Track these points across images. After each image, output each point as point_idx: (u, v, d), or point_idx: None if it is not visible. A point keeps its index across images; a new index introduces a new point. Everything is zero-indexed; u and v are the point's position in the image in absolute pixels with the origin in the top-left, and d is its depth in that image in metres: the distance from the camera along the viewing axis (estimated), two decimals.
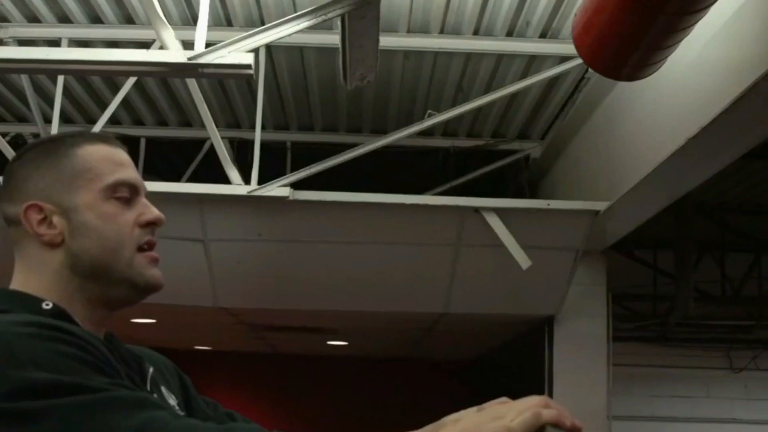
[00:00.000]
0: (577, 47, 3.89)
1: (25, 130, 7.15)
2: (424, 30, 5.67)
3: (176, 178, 6.94)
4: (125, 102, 6.32)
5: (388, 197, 5.64)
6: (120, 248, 1.49)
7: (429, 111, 5.92)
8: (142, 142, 7.27)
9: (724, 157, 4.69)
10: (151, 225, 1.52)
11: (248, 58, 3.48)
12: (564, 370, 6.41)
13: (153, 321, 7.30)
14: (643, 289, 8.89)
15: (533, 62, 6.09)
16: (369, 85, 6.13)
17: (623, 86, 5.46)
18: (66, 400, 1.20)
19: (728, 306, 8.70)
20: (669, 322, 8.42)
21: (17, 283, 1.48)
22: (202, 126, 7.22)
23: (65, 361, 1.25)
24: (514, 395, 1.29)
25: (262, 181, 5.53)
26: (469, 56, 6.01)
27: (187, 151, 7.46)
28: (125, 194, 1.51)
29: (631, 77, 3.97)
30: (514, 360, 7.99)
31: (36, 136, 6.70)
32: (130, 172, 1.54)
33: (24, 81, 6.21)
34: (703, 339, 9.98)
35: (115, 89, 6.26)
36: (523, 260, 5.46)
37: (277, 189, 5.43)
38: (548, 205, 5.75)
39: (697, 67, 4.32)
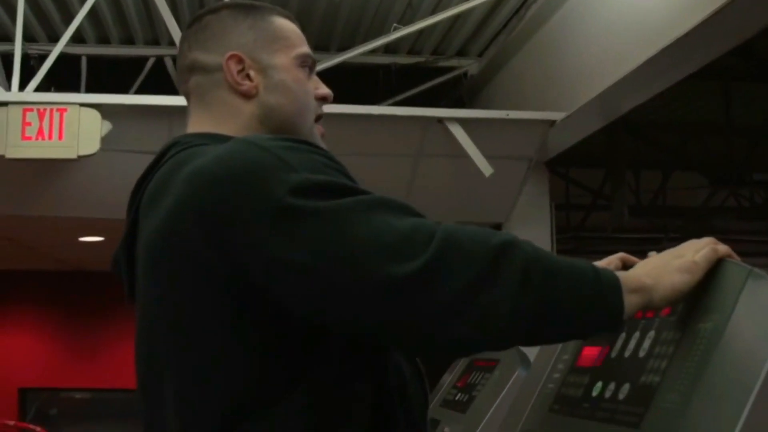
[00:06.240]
0: None
1: None
2: None
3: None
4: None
5: (353, 108, 5.74)
6: (307, 112, 1.62)
7: (395, 24, 6.03)
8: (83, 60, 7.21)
9: (686, 69, 4.97)
10: (324, 99, 1.67)
11: None
12: None
13: (101, 239, 7.24)
14: (557, 199, 9.23)
15: None
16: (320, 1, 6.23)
17: (574, 2, 5.70)
18: (348, 198, 1.30)
19: (653, 218, 9.12)
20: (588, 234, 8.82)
21: (204, 129, 1.57)
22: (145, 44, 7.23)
23: (329, 169, 1.36)
24: None
25: None
26: None
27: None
28: (308, 65, 1.65)
29: None
30: None
31: None
32: (309, 49, 1.67)
33: None
34: (612, 251, 10.41)
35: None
36: (485, 168, 5.67)
37: None
38: (507, 115, 5.95)
39: None
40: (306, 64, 1.64)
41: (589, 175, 8.80)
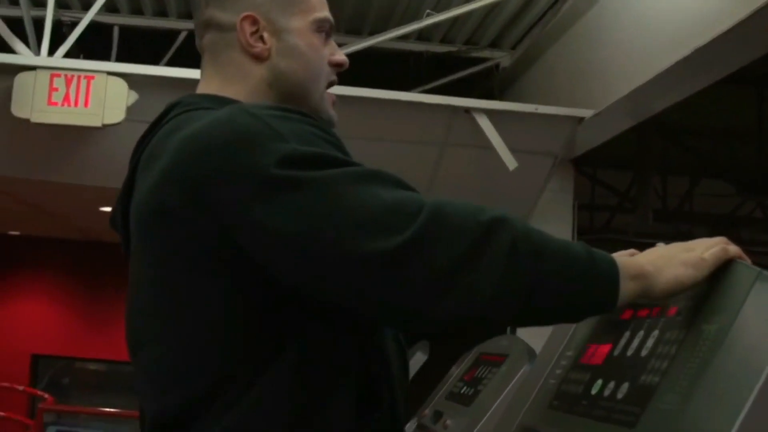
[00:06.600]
0: None
1: None
2: None
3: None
4: None
5: (382, 93, 5.72)
6: (318, 78, 1.59)
7: (428, 11, 5.99)
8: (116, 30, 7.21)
9: (720, 72, 4.89)
10: (339, 66, 1.63)
11: None
12: None
13: None
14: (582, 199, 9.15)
15: None
16: None
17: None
18: (335, 170, 1.27)
19: (679, 224, 9.03)
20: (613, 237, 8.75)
21: (212, 89, 1.55)
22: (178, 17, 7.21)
23: (319, 140, 1.34)
24: None
25: None
26: None
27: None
28: (326, 30, 1.61)
29: None
30: None
31: (6, 18, 6.53)
32: (329, 12, 1.64)
33: None
34: None
35: None
36: (510, 161, 5.63)
37: None
38: (536, 109, 5.89)
39: None
40: (323, 29, 1.61)
41: (616, 176, 8.72)
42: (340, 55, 1.63)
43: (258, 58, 1.55)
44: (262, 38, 1.55)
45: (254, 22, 1.55)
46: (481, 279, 1.22)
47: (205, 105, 1.47)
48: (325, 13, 1.61)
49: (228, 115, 1.35)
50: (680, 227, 9.40)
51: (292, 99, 1.54)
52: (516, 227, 1.26)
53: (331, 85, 1.62)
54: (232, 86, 1.54)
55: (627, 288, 1.30)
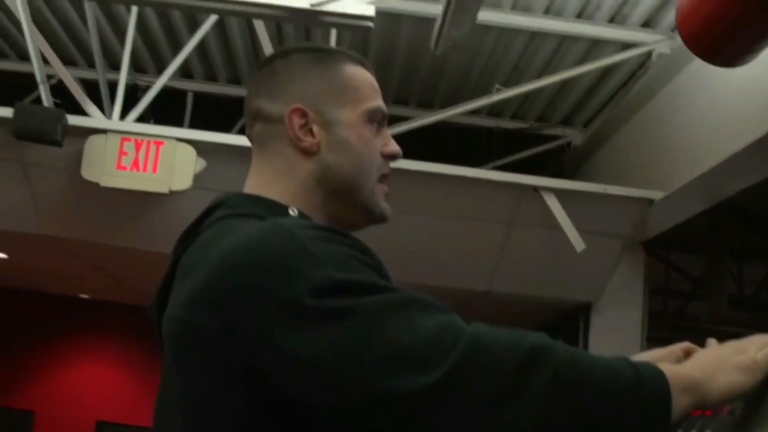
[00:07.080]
0: (679, 25, 3.94)
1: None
2: (495, 4, 5.70)
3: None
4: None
5: (449, 168, 5.67)
6: (369, 172, 1.51)
7: (497, 86, 5.94)
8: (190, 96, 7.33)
9: None
10: (392, 157, 1.56)
11: (370, 10, 3.47)
12: None
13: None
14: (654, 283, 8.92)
15: (594, 47, 6.13)
16: (427, 58, 6.20)
17: (682, 78, 5.54)
18: (369, 299, 1.21)
19: (755, 312, 8.74)
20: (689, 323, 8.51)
21: (259, 185, 1.49)
22: None
23: (356, 264, 1.27)
24: None
25: None
26: (533, 35, 6.04)
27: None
28: (378, 121, 1.53)
29: (729, 63, 4.02)
30: None
31: (83, 81, 6.66)
32: (382, 101, 1.57)
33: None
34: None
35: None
36: (578, 243, 5.50)
37: None
38: (605, 189, 5.78)
39: None
40: (375, 119, 1.53)
41: (691, 260, 8.49)
42: (394, 146, 1.56)
43: (307, 153, 1.48)
44: (311, 131, 1.48)
45: (303, 114, 1.48)
46: (522, 412, 1.16)
47: (248, 211, 1.41)
48: (377, 102, 1.54)
49: (265, 232, 1.30)
50: (758, 315, 9.11)
51: (341, 194, 1.49)
52: (558, 354, 1.19)
53: (384, 177, 1.55)
54: (280, 182, 1.48)
55: (679, 402, 1.22)
